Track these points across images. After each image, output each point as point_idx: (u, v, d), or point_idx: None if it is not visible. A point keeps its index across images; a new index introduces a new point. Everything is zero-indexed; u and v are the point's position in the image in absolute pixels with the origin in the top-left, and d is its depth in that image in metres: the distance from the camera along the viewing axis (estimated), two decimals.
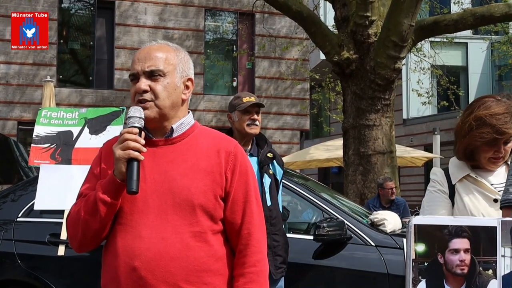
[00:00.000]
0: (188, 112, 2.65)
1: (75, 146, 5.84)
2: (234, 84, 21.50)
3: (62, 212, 5.52)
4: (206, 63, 20.76)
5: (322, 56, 14.66)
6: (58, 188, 5.65)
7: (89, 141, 5.85)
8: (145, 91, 2.49)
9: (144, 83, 2.49)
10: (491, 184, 3.12)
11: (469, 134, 3.14)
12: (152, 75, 2.51)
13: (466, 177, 3.18)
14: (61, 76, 20.05)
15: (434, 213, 3.15)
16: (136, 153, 2.39)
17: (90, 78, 20.50)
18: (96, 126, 5.91)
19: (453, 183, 3.18)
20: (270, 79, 21.54)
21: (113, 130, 5.85)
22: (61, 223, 5.44)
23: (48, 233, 5.47)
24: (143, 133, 2.47)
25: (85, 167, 5.73)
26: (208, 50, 21.08)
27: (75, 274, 5.44)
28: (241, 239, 2.52)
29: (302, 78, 21.61)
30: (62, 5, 20.17)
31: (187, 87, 2.62)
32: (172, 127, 2.55)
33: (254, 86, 21.42)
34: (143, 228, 2.41)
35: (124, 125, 5.93)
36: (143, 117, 2.47)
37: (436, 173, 3.29)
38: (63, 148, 5.85)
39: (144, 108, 2.48)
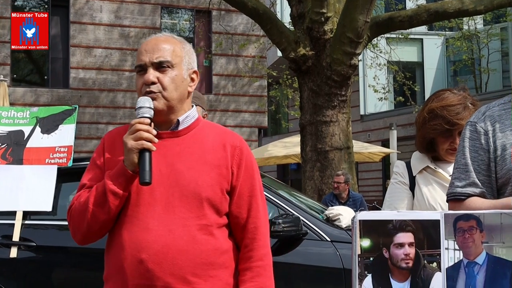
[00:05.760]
0: (192, 105, 2.65)
1: (27, 146, 5.75)
2: None
3: (14, 213, 5.43)
4: None
5: (279, 53, 14.73)
6: (9, 188, 5.56)
7: (41, 141, 5.76)
8: (153, 83, 2.47)
9: (152, 75, 2.48)
10: (450, 175, 3.16)
11: (424, 126, 3.22)
12: (160, 66, 2.50)
13: (426, 168, 3.25)
14: (15, 76, 19.77)
15: (395, 204, 3.23)
16: (149, 144, 2.39)
17: (45, 77, 20.25)
18: (48, 125, 5.82)
19: (414, 174, 3.26)
20: (227, 76, 21.52)
21: (65, 129, 5.78)
22: (13, 224, 5.35)
23: (0, 235, 5.37)
24: (152, 123, 2.45)
25: (37, 167, 5.66)
26: None
27: (28, 276, 5.35)
28: (247, 233, 2.53)
29: (260, 75, 21.63)
30: (15, 3, 19.88)
31: (192, 79, 2.62)
32: (178, 120, 2.54)
33: (211, 83, 21.39)
34: (150, 220, 2.40)
35: (76, 124, 5.87)
36: (153, 107, 2.45)
37: (398, 165, 3.36)
38: (14, 148, 5.75)
39: (152, 99, 2.47)
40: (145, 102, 2.45)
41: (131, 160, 2.39)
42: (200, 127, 2.60)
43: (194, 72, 2.63)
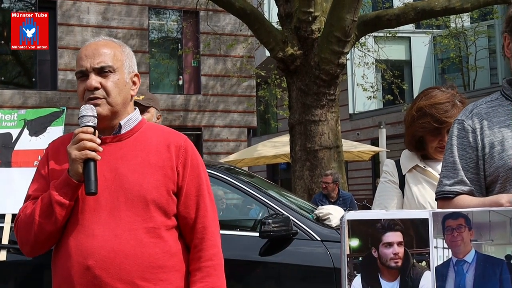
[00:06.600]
0: (135, 108, 2.62)
1: (15, 148, 5.71)
2: (180, 82, 21.41)
3: (2, 216, 5.40)
4: (151, 62, 20.62)
5: (268, 53, 14.76)
6: None
7: (29, 143, 5.72)
8: (97, 88, 2.44)
9: (94, 80, 2.45)
10: (439, 174, 3.16)
11: (412, 124, 3.21)
12: (102, 71, 2.47)
13: (415, 167, 3.24)
14: (3, 78, 19.71)
15: (385, 203, 3.22)
16: (93, 153, 2.36)
17: (33, 79, 20.18)
18: (36, 127, 5.79)
19: (403, 173, 3.25)
20: (216, 76, 21.50)
21: (53, 131, 5.74)
22: (2, 227, 5.32)
23: None
24: (96, 131, 2.43)
25: (25, 170, 5.61)
26: (153, 49, 20.94)
27: (18, 279, 5.33)
28: (196, 234, 2.50)
29: (248, 75, 21.63)
30: (2, 5, 19.80)
31: (134, 83, 2.59)
32: (120, 124, 2.52)
33: (200, 84, 21.36)
34: (95, 226, 2.37)
35: (64, 126, 5.84)
36: (96, 115, 2.43)
37: (388, 164, 3.35)
38: (2, 151, 5.71)
39: (96, 105, 2.44)
40: (88, 110, 2.43)
41: (75, 170, 2.36)
42: (144, 129, 2.58)
43: (136, 75, 2.61)
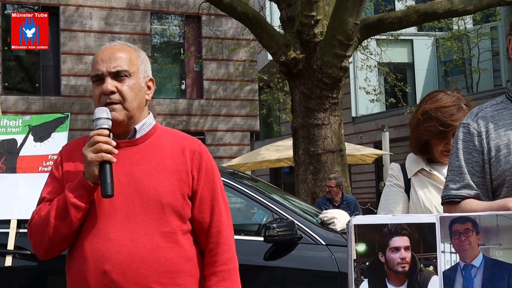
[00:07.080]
0: (149, 113, 2.63)
1: (20, 154, 5.72)
2: (183, 87, 21.41)
3: (8, 222, 5.41)
4: (154, 66, 20.59)
5: (270, 57, 14.74)
6: (3, 197, 5.53)
7: (33, 149, 5.73)
8: (113, 92, 2.45)
9: (110, 84, 2.45)
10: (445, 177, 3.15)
11: (418, 128, 3.20)
12: (118, 75, 2.47)
13: (421, 171, 3.22)
14: (6, 84, 19.71)
15: (390, 207, 3.20)
16: (109, 156, 2.37)
17: (37, 85, 20.20)
18: (41, 133, 5.80)
19: (409, 177, 3.23)
20: (218, 81, 21.50)
21: (58, 137, 5.75)
22: (8, 233, 5.33)
23: None
24: (111, 134, 2.43)
25: (30, 175, 5.63)
26: (155, 54, 20.95)
27: (23, 284, 5.33)
28: (211, 238, 2.51)
29: (251, 79, 21.63)
30: (6, 12, 19.82)
31: (149, 87, 2.60)
32: (135, 128, 2.53)
33: (202, 88, 21.37)
34: (111, 230, 2.38)
35: (68, 132, 5.85)
36: (111, 117, 2.43)
37: (393, 167, 3.33)
38: (7, 157, 5.72)
39: (112, 110, 2.45)
40: (102, 112, 2.43)
41: (91, 173, 2.37)
42: (158, 134, 2.59)
43: (150, 79, 2.62)
